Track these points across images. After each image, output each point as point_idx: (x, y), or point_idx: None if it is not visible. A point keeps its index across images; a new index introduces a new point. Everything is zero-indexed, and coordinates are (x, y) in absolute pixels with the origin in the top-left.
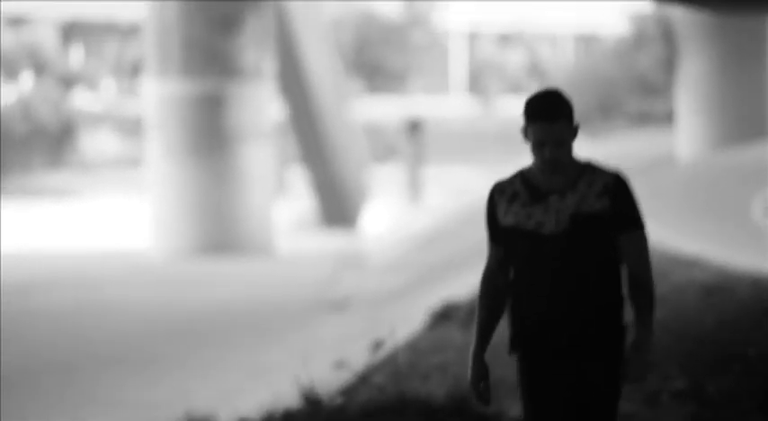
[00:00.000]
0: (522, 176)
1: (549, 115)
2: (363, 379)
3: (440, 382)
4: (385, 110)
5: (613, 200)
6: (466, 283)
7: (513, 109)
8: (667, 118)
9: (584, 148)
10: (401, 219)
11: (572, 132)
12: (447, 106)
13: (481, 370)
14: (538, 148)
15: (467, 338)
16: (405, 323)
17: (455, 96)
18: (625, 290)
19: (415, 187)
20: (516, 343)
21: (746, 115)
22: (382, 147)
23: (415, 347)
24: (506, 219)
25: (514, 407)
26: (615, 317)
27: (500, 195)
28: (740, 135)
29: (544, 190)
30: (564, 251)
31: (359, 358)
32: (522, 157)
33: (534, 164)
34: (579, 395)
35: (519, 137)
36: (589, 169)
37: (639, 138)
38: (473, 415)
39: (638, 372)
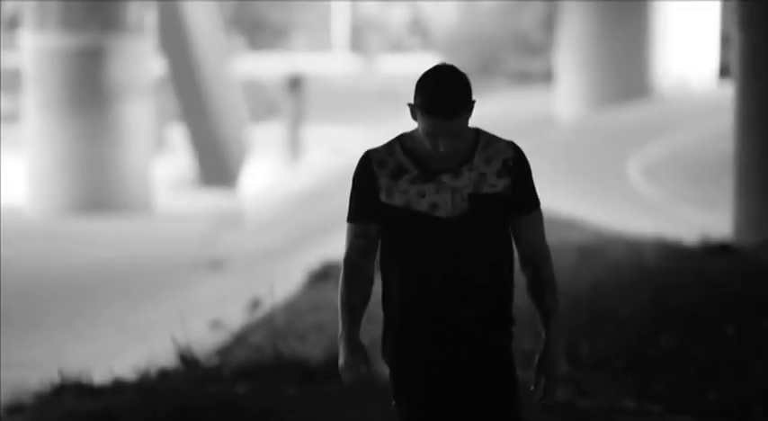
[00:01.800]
0: (402, 147)
1: (448, 112)
2: (240, 338)
3: (317, 342)
4: (266, 67)
5: (515, 178)
6: (342, 243)
7: (395, 67)
8: (547, 77)
9: None
10: (280, 177)
11: (469, 115)
12: (329, 64)
13: (361, 353)
14: (430, 139)
15: None
16: (282, 283)
17: (337, 54)
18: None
19: (294, 146)
20: (397, 348)
21: (625, 74)
22: (262, 104)
23: (292, 307)
24: (392, 197)
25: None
26: (508, 312)
27: (380, 168)
28: (619, 94)
29: (436, 166)
30: (461, 237)
31: (236, 318)
32: (403, 117)
33: (419, 135)
34: (469, 401)
35: (400, 96)
36: (482, 141)
37: (519, 97)
38: None
39: (552, 389)
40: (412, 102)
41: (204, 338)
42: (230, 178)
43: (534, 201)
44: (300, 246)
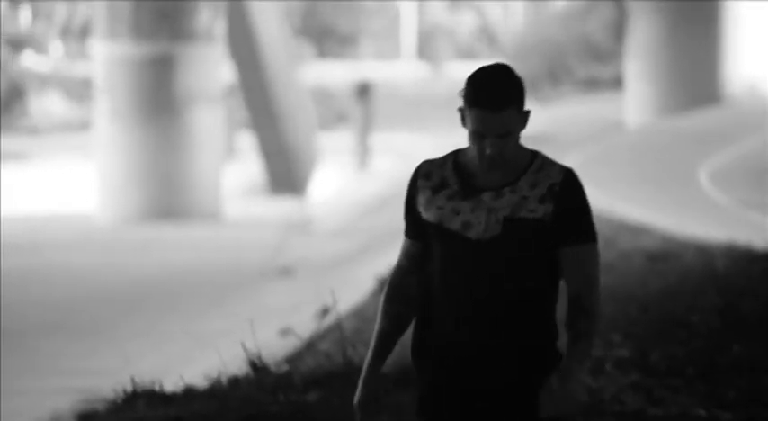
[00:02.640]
0: (455, 160)
1: (494, 102)
2: (310, 346)
3: None
4: (334, 74)
5: (559, 204)
6: None
7: (463, 74)
8: (616, 83)
9: (533, 115)
10: (349, 184)
11: (522, 120)
12: (397, 71)
13: (373, 392)
14: (476, 140)
15: None
16: (352, 289)
17: (405, 61)
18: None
19: (362, 152)
20: (423, 372)
21: (696, 79)
22: (331, 112)
23: (361, 314)
24: (428, 212)
25: None
26: (545, 359)
27: (424, 180)
28: (689, 100)
29: (479, 183)
30: (491, 262)
31: (305, 325)
32: None
33: (471, 149)
34: None
35: None
36: (536, 164)
37: (587, 103)
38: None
39: (559, 407)
40: (462, 107)
41: (274, 345)
42: (299, 185)
43: (584, 234)
44: (369, 252)
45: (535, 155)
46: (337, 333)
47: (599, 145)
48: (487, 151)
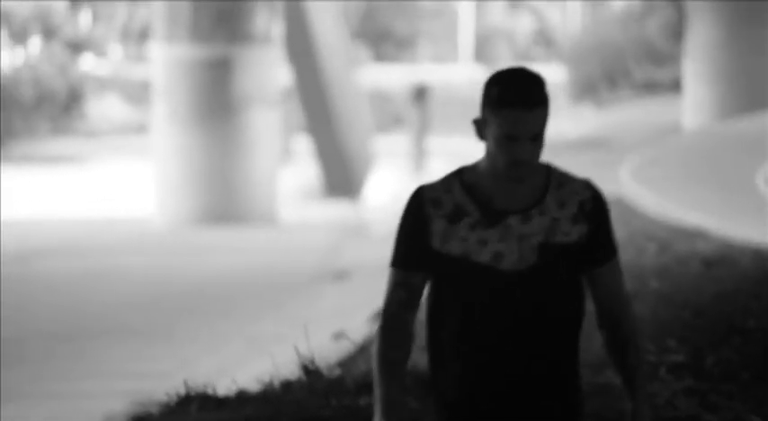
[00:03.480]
0: (462, 183)
1: (527, 99)
2: (363, 350)
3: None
4: (392, 77)
5: (592, 224)
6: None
7: None
8: (674, 86)
9: (591, 118)
10: (405, 188)
11: (546, 125)
12: (454, 74)
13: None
14: (505, 145)
15: None
16: None
17: (462, 64)
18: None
19: (419, 156)
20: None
21: (754, 84)
22: (388, 115)
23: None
24: (448, 245)
25: None
26: (577, 381)
27: (434, 208)
28: (748, 104)
29: (500, 206)
30: (529, 295)
31: (359, 329)
32: None
33: (484, 166)
34: None
35: None
36: (555, 178)
37: (646, 107)
38: None
39: None
40: (478, 117)
41: (328, 349)
42: (356, 189)
43: (613, 249)
44: None
45: (548, 168)
46: None
47: (655, 148)
48: (520, 155)
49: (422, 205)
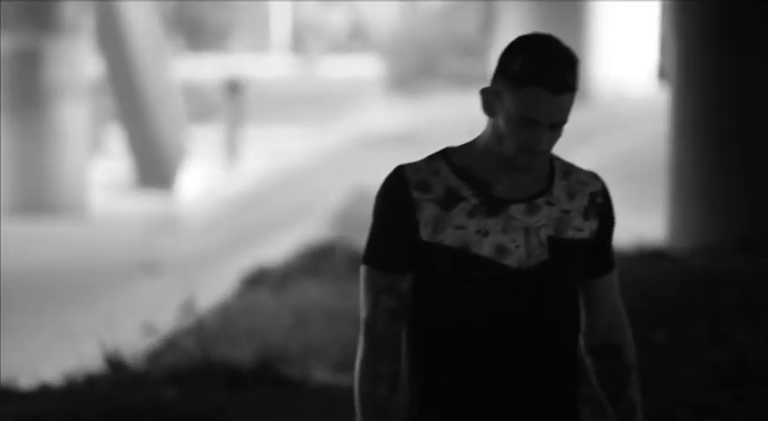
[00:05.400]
0: (450, 166)
1: (558, 81)
2: (171, 343)
3: (248, 347)
4: (205, 68)
5: (602, 221)
6: (278, 248)
7: (336, 70)
8: (484, 79)
9: (405, 112)
10: (218, 181)
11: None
12: (268, 66)
13: None
14: (520, 129)
15: (277, 303)
16: (216, 287)
17: (277, 56)
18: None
19: (232, 149)
20: None
21: None
22: (201, 107)
23: (224, 312)
24: (442, 234)
25: (321, 371)
26: (575, 405)
27: (422, 192)
28: None
29: (500, 193)
30: (536, 298)
31: (168, 322)
32: (344, 119)
33: (482, 147)
34: None
35: (340, 98)
36: (559, 166)
37: (458, 99)
38: (279, 379)
39: None
40: (489, 85)
41: (135, 343)
42: (167, 181)
43: (612, 260)
44: (235, 250)
45: (550, 155)
46: (199, 330)
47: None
48: (537, 145)
49: (404, 188)
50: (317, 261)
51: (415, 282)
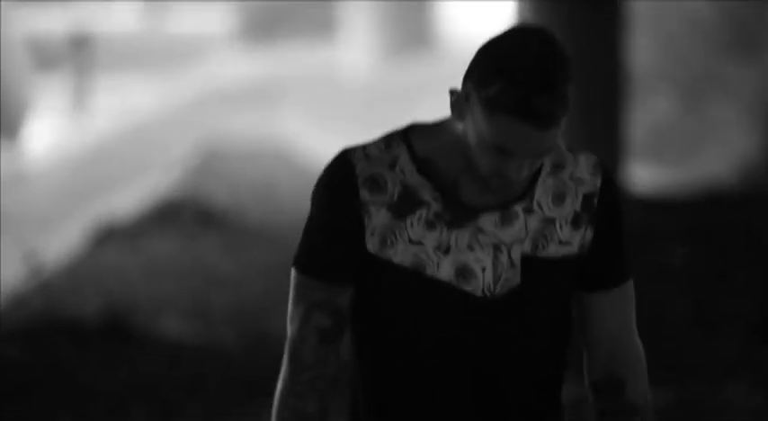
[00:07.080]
0: (413, 155)
1: (544, 115)
2: (16, 302)
3: (96, 303)
4: (50, 20)
5: (601, 229)
6: (127, 203)
7: (185, 20)
8: (341, 23)
9: (259, 62)
10: (64, 134)
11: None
12: (117, 15)
13: None
14: (493, 156)
15: (126, 258)
16: (63, 244)
17: (127, 5)
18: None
19: (79, 103)
20: None
21: (410, 22)
22: (46, 59)
23: (72, 268)
24: (391, 249)
25: (171, 326)
26: None
27: (371, 191)
28: (405, 45)
29: (469, 197)
30: (504, 329)
31: (13, 282)
32: (194, 72)
33: (450, 140)
34: None
35: (191, 50)
36: (550, 157)
37: (317, 47)
38: (127, 335)
39: None
40: (459, 88)
41: None
42: (11, 134)
43: (623, 268)
44: (83, 205)
45: None
46: (44, 288)
47: (311, 103)
48: (514, 174)
49: (352, 185)
50: (166, 216)
51: (356, 297)
